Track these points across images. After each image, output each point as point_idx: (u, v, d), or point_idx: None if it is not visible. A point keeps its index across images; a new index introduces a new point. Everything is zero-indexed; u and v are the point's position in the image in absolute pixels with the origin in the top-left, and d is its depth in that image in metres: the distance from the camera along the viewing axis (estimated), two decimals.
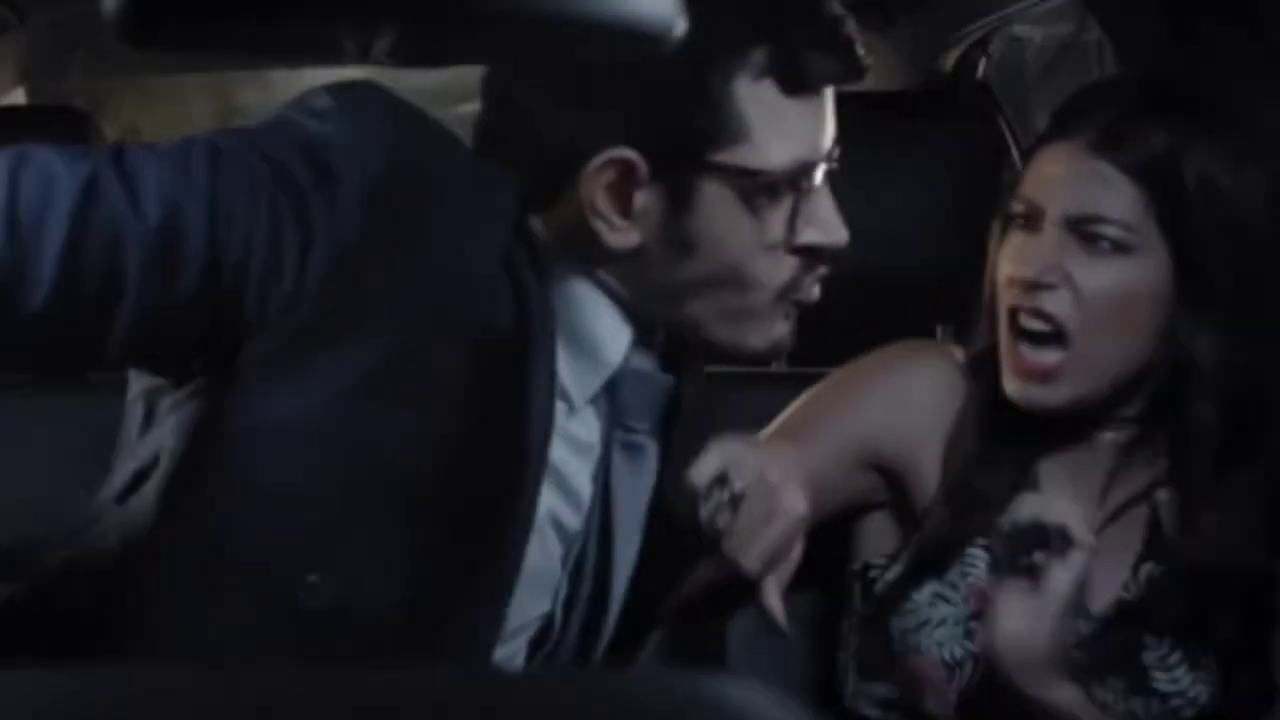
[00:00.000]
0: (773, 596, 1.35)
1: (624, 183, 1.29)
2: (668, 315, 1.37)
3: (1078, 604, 1.54)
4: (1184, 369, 1.49)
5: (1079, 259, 1.48)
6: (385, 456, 1.27)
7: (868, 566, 1.63)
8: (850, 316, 2.07)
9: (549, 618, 1.41)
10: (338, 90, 1.29)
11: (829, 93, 1.34)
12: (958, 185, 2.01)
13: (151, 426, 1.32)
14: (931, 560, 1.56)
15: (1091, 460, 1.58)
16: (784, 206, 1.32)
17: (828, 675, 1.69)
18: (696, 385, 1.46)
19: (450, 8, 0.77)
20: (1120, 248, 1.47)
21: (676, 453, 1.41)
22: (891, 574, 1.59)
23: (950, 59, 2.44)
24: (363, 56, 0.78)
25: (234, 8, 0.78)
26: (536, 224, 1.34)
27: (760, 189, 1.31)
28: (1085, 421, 1.57)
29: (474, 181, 1.32)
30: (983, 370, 1.58)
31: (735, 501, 1.33)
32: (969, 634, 1.54)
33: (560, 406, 1.35)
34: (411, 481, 1.28)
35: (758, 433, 1.67)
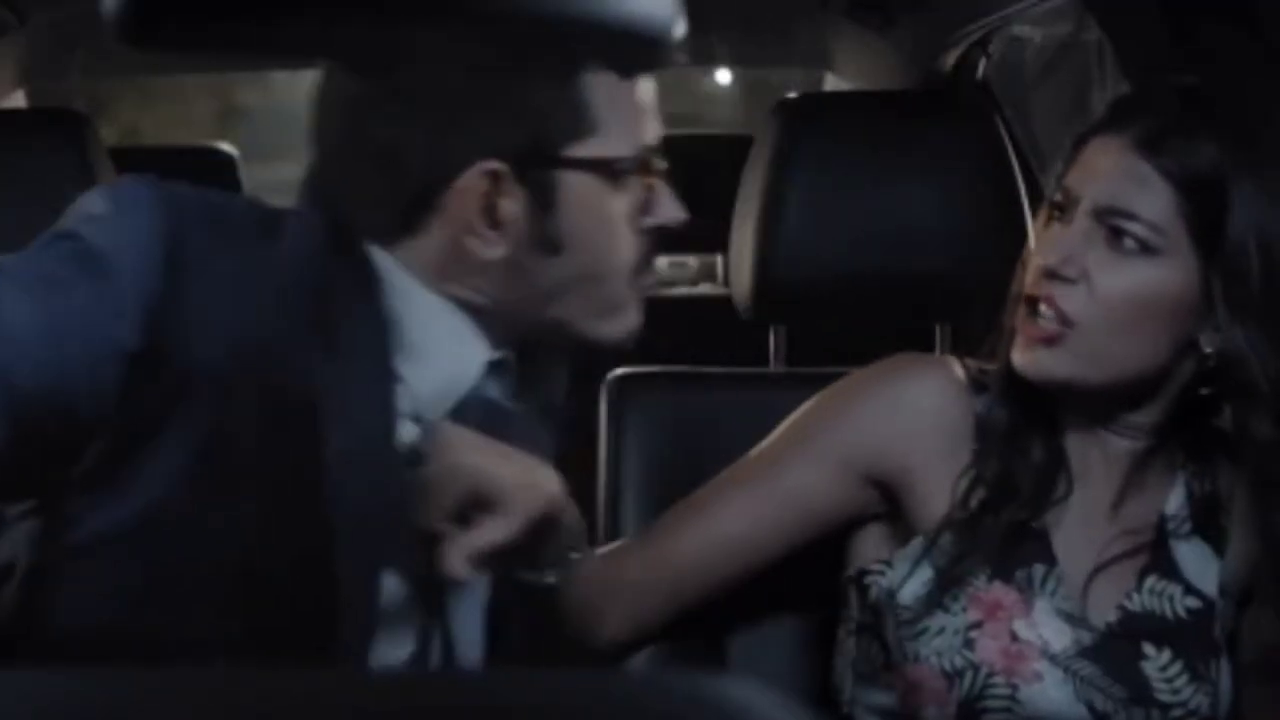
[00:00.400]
0: (453, 553, 1.31)
1: (492, 193, 1.31)
2: (532, 321, 1.38)
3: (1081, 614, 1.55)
4: (1237, 385, 1.49)
5: (1102, 254, 1.49)
6: (219, 544, 1.27)
7: (863, 573, 1.62)
8: (849, 316, 2.08)
9: (416, 655, 1.42)
10: (111, 190, 1.28)
11: (649, 78, 1.38)
12: (956, 186, 2.01)
13: (5, 529, 1.32)
14: (946, 577, 1.56)
15: (1105, 472, 1.58)
16: (634, 192, 1.36)
17: (825, 683, 1.69)
18: (536, 414, 1.48)
19: (451, 9, 0.77)
20: (1146, 248, 1.47)
21: None
22: (886, 580, 1.59)
23: (950, 59, 2.45)
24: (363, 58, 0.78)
25: (234, 8, 0.79)
26: (390, 255, 1.34)
27: (615, 177, 1.34)
28: (1100, 427, 1.57)
29: (267, 248, 1.30)
30: (989, 384, 1.59)
31: (419, 463, 1.33)
32: (968, 644, 1.53)
33: (413, 429, 1.35)
34: (252, 562, 1.28)
35: (757, 433, 1.67)
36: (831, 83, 3.46)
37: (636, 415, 1.89)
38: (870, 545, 1.64)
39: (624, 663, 1.67)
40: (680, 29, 0.82)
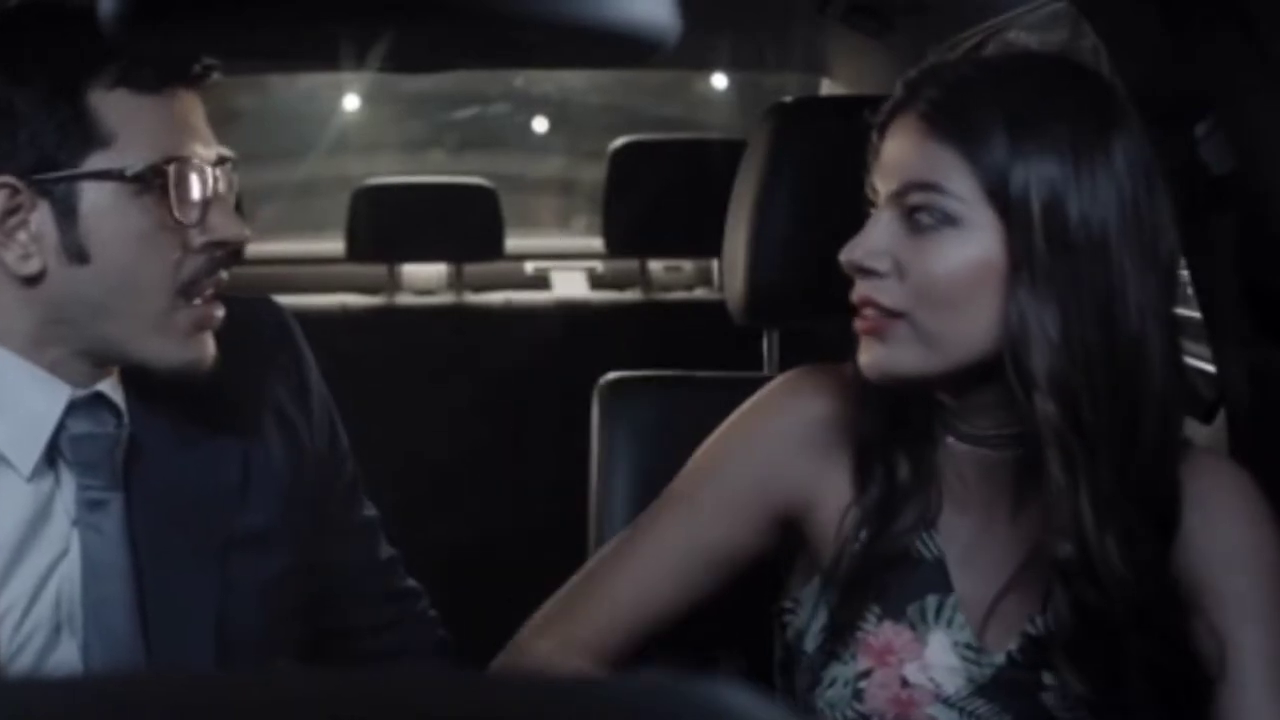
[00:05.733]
0: None
1: (14, 208, 1.42)
2: (89, 342, 1.47)
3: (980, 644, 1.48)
4: (1019, 361, 1.40)
5: (905, 240, 1.42)
6: None
7: (782, 610, 1.58)
8: (842, 321, 2.08)
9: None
10: None
11: (191, 96, 1.48)
12: None
13: None
14: (837, 621, 1.51)
15: (992, 487, 1.51)
16: (169, 205, 1.44)
17: None
18: (159, 432, 1.54)
19: (449, 14, 0.77)
20: (948, 220, 1.41)
21: (138, 501, 1.51)
22: (797, 621, 1.54)
23: None
24: (360, 62, 0.78)
25: (231, 12, 0.79)
26: None
27: (136, 187, 1.43)
28: (973, 443, 1.49)
29: None
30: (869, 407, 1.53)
31: None
32: (858, 695, 1.48)
33: (13, 476, 1.46)
34: None
35: None
36: (827, 88, 3.46)
37: (629, 419, 1.89)
38: (797, 574, 1.59)
39: None
40: (676, 33, 0.82)
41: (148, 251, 1.44)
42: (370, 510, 1.77)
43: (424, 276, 4.03)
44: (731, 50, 3.47)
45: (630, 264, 4.02)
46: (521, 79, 5.02)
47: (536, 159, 5.31)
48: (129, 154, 1.43)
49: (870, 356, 1.46)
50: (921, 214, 1.42)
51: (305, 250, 4.42)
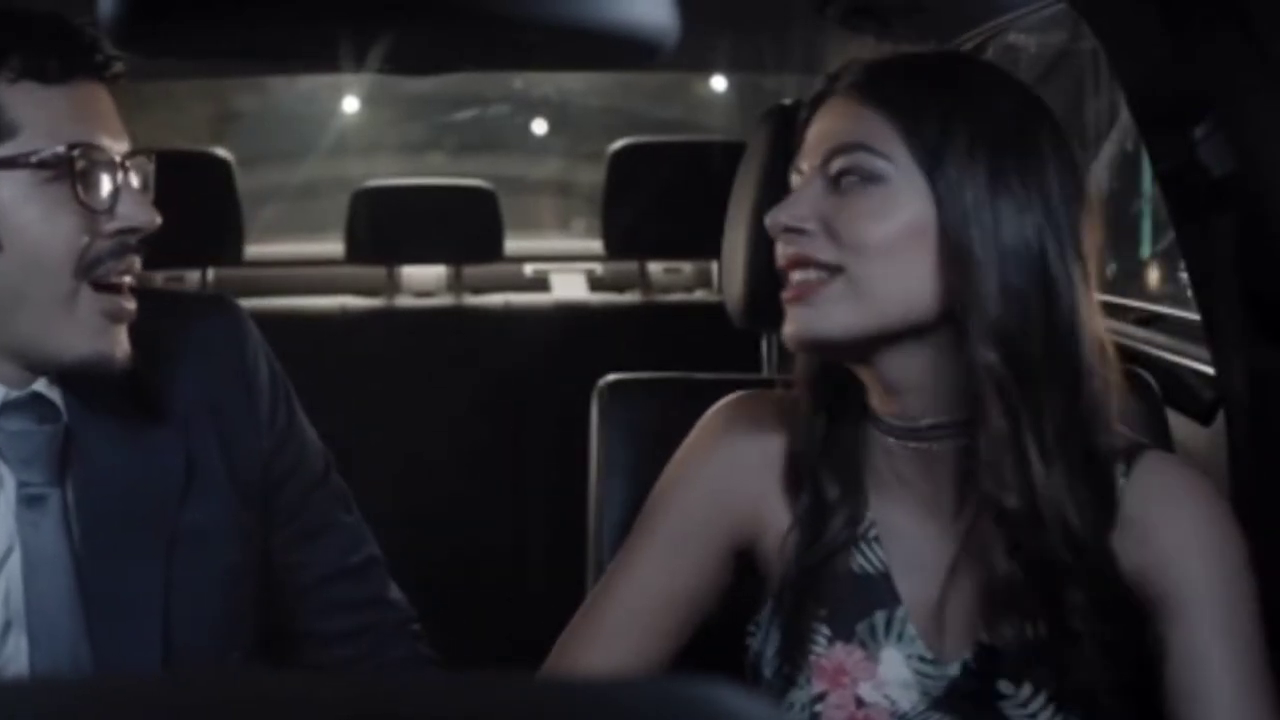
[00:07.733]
0: None
1: None
2: (12, 339, 1.48)
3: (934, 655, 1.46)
4: (961, 309, 1.38)
5: (832, 201, 1.40)
6: None
7: (745, 635, 1.55)
8: None
9: None
10: None
11: (96, 86, 1.50)
12: None
13: None
14: (787, 642, 1.49)
15: (932, 487, 1.47)
16: (76, 191, 1.46)
17: None
18: (97, 430, 1.54)
19: (449, 16, 0.77)
20: (873, 178, 1.39)
21: (77, 497, 1.51)
22: (756, 644, 1.52)
23: None
24: (360, 64, 0.78)
25: (231, 12, 0.79)
26: None
27: (44, 174, 1.45)
28: (908, 439, 1.46)
29: None
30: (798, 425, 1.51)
31: None
32: (815, 718, 1.46)
33: None
34: None
35: None
36: None
37: (628, 421, 1.89)
38: (756, 601, 1.56)
39: None
40: (675, 36, 0.83)
41: (55, 235, 1.46)
42: (349, 515, 1.75)
43: (423, 278, 4.03)
44: (731, 52, 3.48)
45: (629, 266, 4.02)
46: (521, 81, 5.02)
47: (536, 161, 5.32)
48: (35, 143, 1.45)
49: (796, 324, 1.42)
50: (846, 176, 1.40)
51: (305, 252, 4.42)
